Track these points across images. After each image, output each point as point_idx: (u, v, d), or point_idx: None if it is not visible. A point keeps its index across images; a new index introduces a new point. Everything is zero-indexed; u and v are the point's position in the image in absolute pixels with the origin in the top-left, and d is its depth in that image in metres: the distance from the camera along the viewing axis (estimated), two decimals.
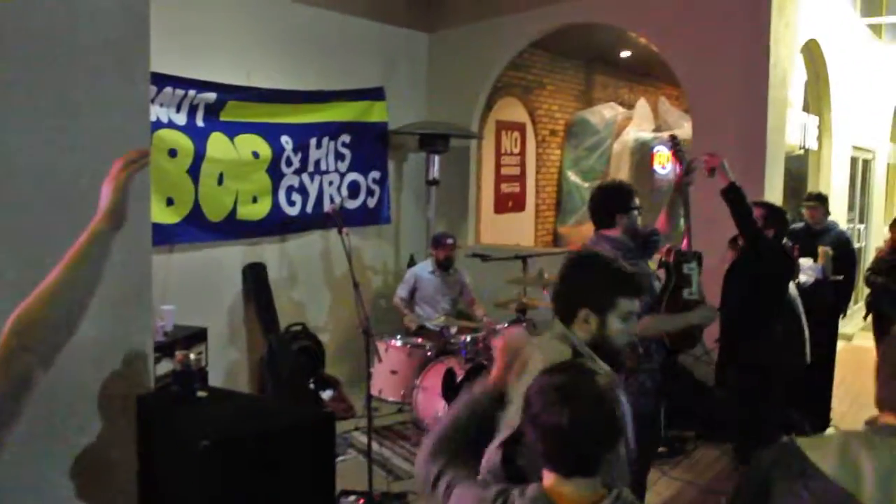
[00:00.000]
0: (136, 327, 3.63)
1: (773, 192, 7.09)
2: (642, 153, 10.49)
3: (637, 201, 4.06)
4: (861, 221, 12.34)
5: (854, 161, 11.46)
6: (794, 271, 5.46)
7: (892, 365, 1.82)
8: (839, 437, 1.80)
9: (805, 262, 6.41)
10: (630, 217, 4.02)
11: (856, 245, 11.38)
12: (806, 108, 9.57)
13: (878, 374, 1.84)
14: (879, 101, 12.25)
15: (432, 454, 2.16)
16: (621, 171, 10.35)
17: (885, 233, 7.86)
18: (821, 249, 6.39)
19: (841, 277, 6.59)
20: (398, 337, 6.55)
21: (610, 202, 4.04)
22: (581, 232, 10.91)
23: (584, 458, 1.82)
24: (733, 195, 4.88)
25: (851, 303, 8.81)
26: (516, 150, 10.52)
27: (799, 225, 7.18)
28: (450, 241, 7.28)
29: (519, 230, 10.53)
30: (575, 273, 2.57)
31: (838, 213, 10.05)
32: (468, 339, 6.36)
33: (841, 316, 6.85)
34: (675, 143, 4.32)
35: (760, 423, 5.04)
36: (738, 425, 5.53)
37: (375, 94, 7.98)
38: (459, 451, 2.16)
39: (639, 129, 10.57)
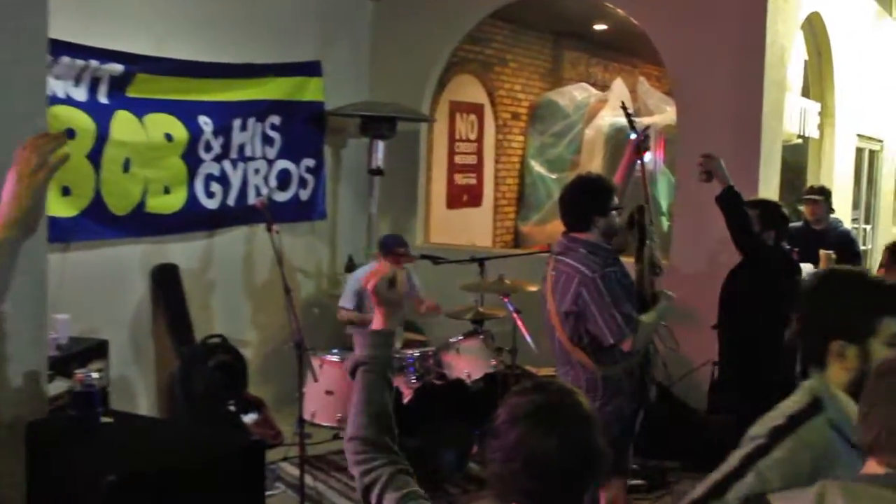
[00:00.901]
0: (27, 341, 3.58)
1: (769, 187, 7.21)
2: (618, 140, 10.58)
3: (616, 200, 4.15)
4: (867, 222, 12.59)
5: (859, 152, 11.71)
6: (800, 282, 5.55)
7: (878, 404, 1.78)
8: (817, 487, 1.77)
9: (806, 268, 6.51)
10: (608, 219, 4.16)
11: (861, 247, 11.64)
12: (805, 92, 9.76)
13: (861, 412, 1.81)
14: (888, 84, 12.55)
15: (356, 463, 2.15)
16: (594, 161, 10.44)
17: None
18: (822, 254, 6.49)
19: None
20: (334, 351, 6.53)
21: (585, 202, 4.13)
22: (546, 231, 10.99)
23: (569, 490, 1.82)
24: (730, 200, 4.96)
25: None
26: (473, 136, 10.56)
27: (797, 224, 7.30)
28: (402, 250, 7.20)
29: (475, 228, 10.59)
30: (818, 296, 2.38)
31: (841, 212, 10.23)
32: (416, 353, 6.37)
33: None
34: (641, 138, 4.48)
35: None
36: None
37: (310, 70, 7.96)
38: (379, 442, 2.16)
39: (614, 114, 10.67)
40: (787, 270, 5.38)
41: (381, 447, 2.14)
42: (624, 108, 4.78)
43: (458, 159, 10.32)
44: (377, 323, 2.28)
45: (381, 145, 8.19)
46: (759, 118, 7.03)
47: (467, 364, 6.39)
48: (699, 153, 7.29)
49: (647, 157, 10.68)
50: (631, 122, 4.56)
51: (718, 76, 7.12)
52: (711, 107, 7.19)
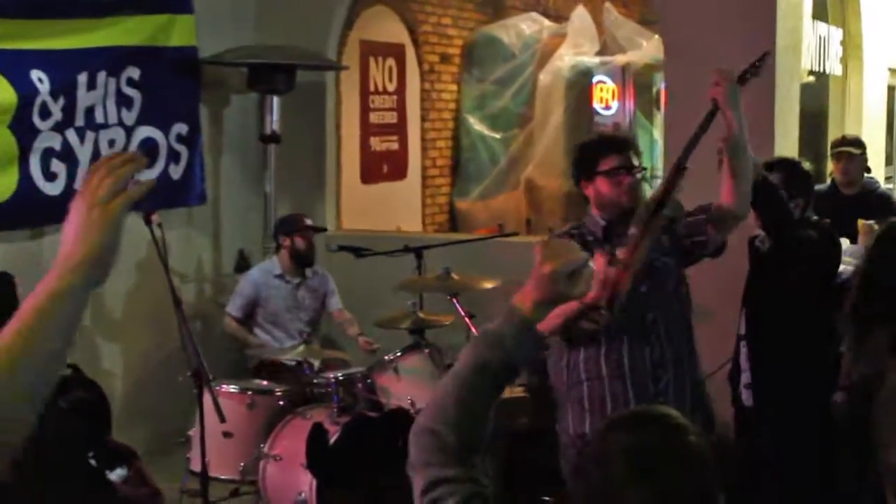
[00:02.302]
0: None
1: (787, 140, 7.24)
2: (583, 87, 10.58)
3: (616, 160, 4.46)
4: None
5: (892, 91, 11.86)
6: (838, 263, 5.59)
7: None
8: None
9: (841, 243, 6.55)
10: (595, 185, 4.50)
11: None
12: (820, 14, 9.82)
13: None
14: None
15: (424, 465, 2.23)
16: (552, 116, 10.43)
17: None
18: (863, 224, 6.53)
19: None
20: (231, 380, 6.48)
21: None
22: (491, 209, 10.98)
23: None
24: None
25: None
26: (391, 87, 10.53)
27: (822, 187, 7.32)
28: (309, 221, 7.47)
29: (399, 208, 10.57)
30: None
31: (873, 169, 10.33)
32: (340, 377, 6.33)
33: None
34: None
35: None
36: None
37: (177, 4, 7.86)
38: (463, 451, 2.21)
39: (576, 52, 10.64)
40: (832, 258, 5.40)
41: (462, 458, 2.20)
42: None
43: (373, 118, 10.26)
44: (528, 306, 2.24)
45: (275, 103, 8.16)
46: (773, 52, 6.98)
47: (410, 388, 6.32)
48: (691, 100, 7.31)
49: (614, 108, 10.80)
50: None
51: None
52: (707, 39, 7.15)
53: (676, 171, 4.40)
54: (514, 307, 2.25)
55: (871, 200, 7.30)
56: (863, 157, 7.48)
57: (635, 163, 4.46)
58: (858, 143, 7.53)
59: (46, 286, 1.86)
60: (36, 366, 1.82)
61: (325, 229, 7.90)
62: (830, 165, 7.65)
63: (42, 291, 1.86)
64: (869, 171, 7.69)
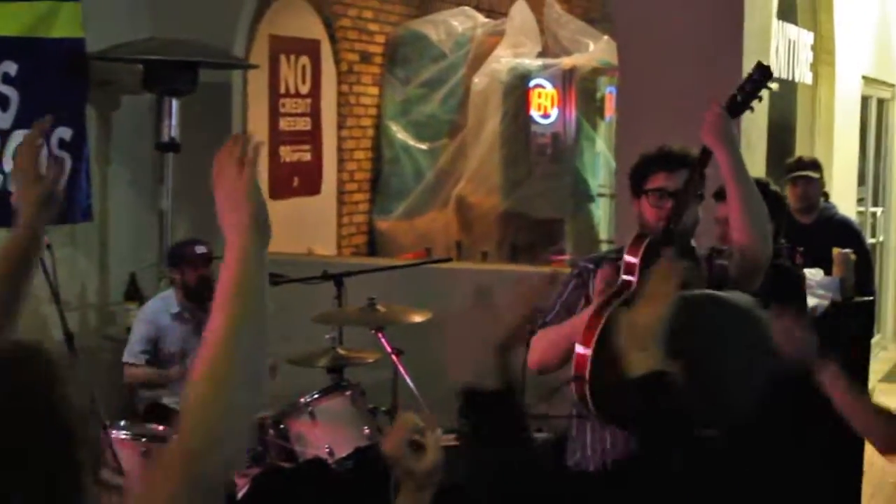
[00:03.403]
0: None
1: (753, 156, 7.32)
2: (522, 92, 10.60)
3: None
4: (876, 203, 12.94)
5: (865, 102, 12.11)
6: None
7: None
8: None
9: (813, 274, 6.64)
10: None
11: (869, 240, 11.95)
12: (787, 15, 9.92)
13: None
14: None
15: None
16: (486, 125, 10.44)
17: None
18: (837, 253, 6.64)
19: (871, 298, 6.85)
20: (122, 424, 6.38)
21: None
22: (416, 229, 10.96)
23: None
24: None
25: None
26: (304, 89, 10.52)
27: None
28: (202, 249, 7.24)
29: (311, 227, 10.54)
30: None
31: (843, 189, 10.47)
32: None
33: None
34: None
35: None
36: None
37: None
38: None
39: (515, 52, 10.67)
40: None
41: None
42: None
43: (284, 124, 10.25)
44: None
45: (174, 106, 8.07)
46: (739, 56, 7.07)
47: (327, 435, 6.32)
48: (646, 107, 7.38)
49: (553, 115, 10.85)
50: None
51: None
52: (664, 40, 7.23)
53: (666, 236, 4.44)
54: None
55: (830, 228, 7.41)
56: (821, 180, 7.60)
57: (679, 183, 4.47)
58: (816, 166, 7.65)
59: (231, 262, 2.26)
60: (252, 348, 2.23)
61: (219, 258, 7.75)
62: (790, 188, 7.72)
63: (227, 268, 2.24)
64: (826, 196, 7.80)
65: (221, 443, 2.09)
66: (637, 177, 4.55)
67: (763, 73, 4.62)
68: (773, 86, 9.48)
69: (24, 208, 3.05)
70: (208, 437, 2.08)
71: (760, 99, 4.68)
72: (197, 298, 7.11)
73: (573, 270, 4.76)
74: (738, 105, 4.61)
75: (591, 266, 4.61)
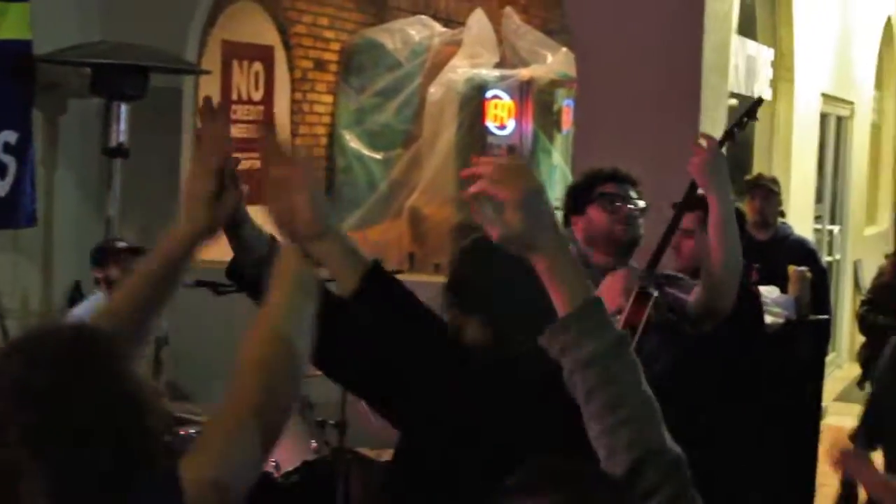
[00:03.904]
0: None
1: None
2: (479, 103, 10.60)
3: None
4: (833, 221, 13.04)
5: (824, 120, 12.22)
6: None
7: None
8: None
9: (769, 292, 6.68)
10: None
11: (825, 258, 12.03)
12: (751, 33, 10.00)
13: None
14: (862, 28, 13.05)
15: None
16: (442, 135, 10.43)
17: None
18: (793, 271, 6.70)
19: (826, 317, 6.90)
20: None
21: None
22: (370, 239, 10.91)
23: None
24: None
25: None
26: (257, 96, 10.51)
27: None
28: (123, 244, 7.26)
29: None
30: None
31: (801, 207, 10.54)
32: (193, 433, 6.20)
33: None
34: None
35: None
36: None
37: None
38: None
39: (472, 63, 10.67)
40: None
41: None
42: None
43: (236, 131, 10.09)
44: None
45: (123, 111, 8.04)
46: (698, 71, 7.12)
47: (275, 449, 6.18)
48: (604, 121, 7.41)
49: (510, 127, 10.85)
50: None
51: (637, 4, 7.19)
52: (623, 53, 7.27)
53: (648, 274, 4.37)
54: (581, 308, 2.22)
55: (786, 246, 7.47)
56: (778, 196, 7.67)
57: (635, 198, 4.39)
58: (775, 183, 7.71)
59: (280, 284, 2.57)
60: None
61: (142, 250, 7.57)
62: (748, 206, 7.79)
63: (278, 290, 2.56)
64: (783, 215, 7.86)
65: (279, 395, 2.42)
66: (579, 190, 4.44)
67: (759, 105, 4.64)
68: (734, 101, 9.61)
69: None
70: (269, 391, 2.40)
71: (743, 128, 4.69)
72: None
73: None
74: (732, 137, 4.62)
75: None
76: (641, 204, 4.39)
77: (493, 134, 10.82)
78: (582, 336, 2.15)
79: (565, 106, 10.74)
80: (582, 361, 2.14)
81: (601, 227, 4.31)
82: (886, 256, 8.28)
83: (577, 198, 4.40)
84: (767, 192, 7.65)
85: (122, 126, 8.02)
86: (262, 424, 2.39)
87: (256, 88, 10.40)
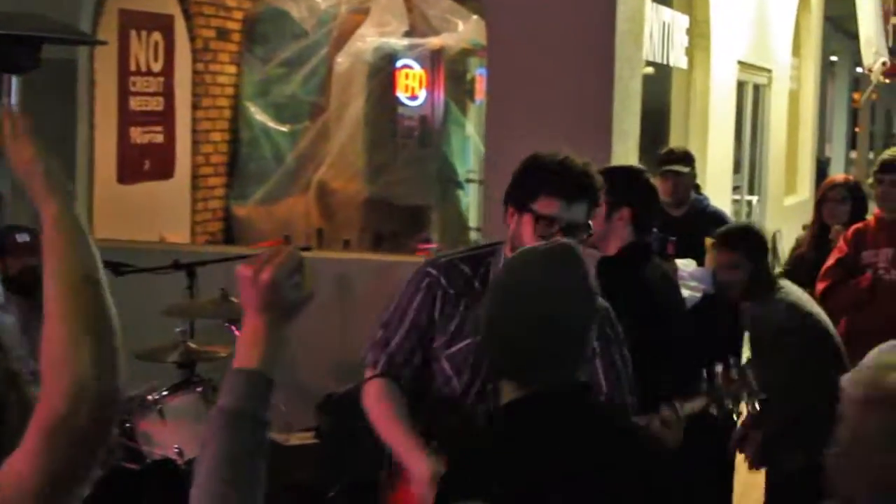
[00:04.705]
0: None
1: (626, 143, 7.42)
2: (387, 74, 10.59)
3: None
4: (752, 192, 13.16)
5: (741, 88, 12.33)
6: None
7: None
8: None
9: (685, 265, 6.67)
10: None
11: None
12: (666, 1, 10.06)
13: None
14: None
15: None
16: (349, 107, 10.42)
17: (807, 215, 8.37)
18: (710, 243, 6.69)
19: None
20: None
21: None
22: (275, 215, 10.92)
23: None
24: None
25: None
26: (157, 67, 10.42)
27: None
28: (24, 238, 7.01)
29: (164, 213, 10.48)
30: None
31: (718, 177, 10.62)
32: None
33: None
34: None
35: None
36: None
37: None
38: None
39: (381, 32, 10.64)
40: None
41: None
42: None
43: (134, 104, 10.14)
44: (248, 343, 2.32)
45: (14, 83, 7.70)
46: (612, 38, 7.15)
47: (177, 434, 6.24)
48: (516, 90, 7.42)
49: (421, 97, 10.86)
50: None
51: None
52: (539, 19, 7.26)
53: None
54: (240, 371, 2.32)
55: (701, 220, 7.49)
56: (691, 173, 7.70)
57: (577, 217, 3.98)
58: (687, 159, 7.73)
59: (49, 222, 2.39)
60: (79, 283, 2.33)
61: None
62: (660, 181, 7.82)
63: (48, 228, 2.38)
64: (698, 188, 7.91)
65: (87, 399, 2.16)
66: (525, 189, 4.03)
67: None
68: (649, 70, 9.66)
69: None
70: (74, 396, 2.15)
71: None
72: (21, 290, 6.94)
73: (419, 277, 4.26)
74: None
75: (439, 278, 4.20)
76: (583, 230, 4.06)
77: (403, 105, 10.82)
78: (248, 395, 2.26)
79: (478, 75, 10.78)
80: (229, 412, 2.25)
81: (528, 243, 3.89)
82: (805, 227, 8.32)
83: (519, 195, 4.04)
84: (677, 174, 7.67)
85: (13, 99, 7.77)
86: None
87: (156, 59, 10.31)
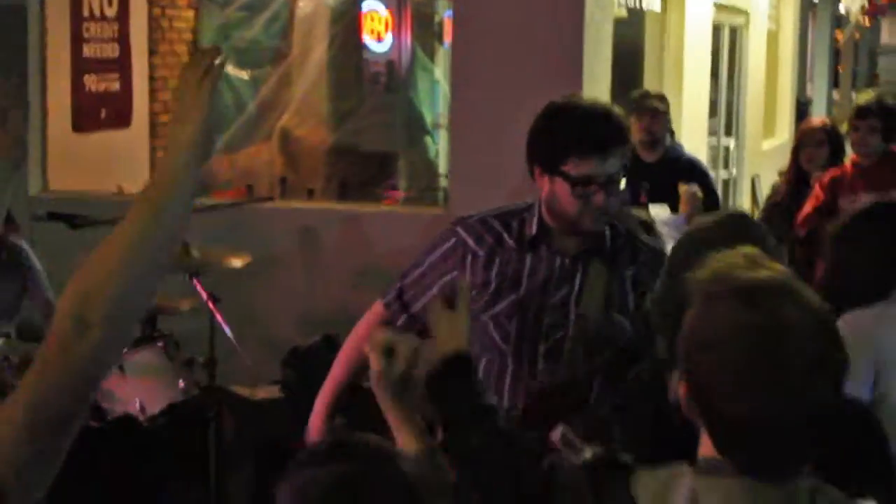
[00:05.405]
0: None
1: (597, 88, 7.45)
2: (351, 17, 10.58)
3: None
4: (728, 135, 13.21)
5: (717, 30, 12.33)
6: None
7: None
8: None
9: (657, 212, 6.73)
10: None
11: (721, 173, 12.19)
12: None
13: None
14: None
15: None
16: (313, 52, 10.40)
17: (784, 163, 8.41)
18: (683, 189, 6.75)
19: None
20: None
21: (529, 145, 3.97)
22: (237, 165, 10.91)
23: None
24: None
25: None
26: (111, 12, 10.31)
27: None
28: None
29: (121, 162, 10.31)
30: None
31: (694, 121, 10.66)
32: None
33: None
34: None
35: None
36: None
37: None
38: None
39: None
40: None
41: None
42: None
43: (88, 51, 10.02)
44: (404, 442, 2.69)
45: None
46: None
47: (138, 389, 6.29)
48: (483, 32, 7.43)
49: (388, 41, 10.88)
50: None
51: None
52: None
53: None
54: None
55: (676, 168, 7.54)
56: (667, 116, 7.74)
57: (613, 169, 3.81)
58: (663, 101, 7.78)
59: (168, 160, 2.36)
60: (154, 247, 2.29)
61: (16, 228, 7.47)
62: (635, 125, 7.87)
63: (164, 163, 2.37)
64: (673, 135, 7.95)
65: (90, 326, 2.18)
66: (551, 151, 3.84)
67: None
68: (623, 13, 9.69)
69: None
70: (77, 321, 2.18)
71: None
72: None
73: (446, 235, 4.08)
74: None
75: (465, 240, 4.00)
76: (621, 185, 3.99)
77: (369, 49, 10.82)
78: None
79: (447, 18, 10.75)
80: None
81: (567, 210, 3.85)
82: (780, 174, 8.38)
83: (547, 157, 3.85)
84: (654, 112, 7.71)
85: None
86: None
87: (110, 4, 10.16)
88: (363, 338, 3.85)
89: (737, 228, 2.98)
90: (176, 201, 2.32)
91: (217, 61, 2.51)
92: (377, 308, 4.17)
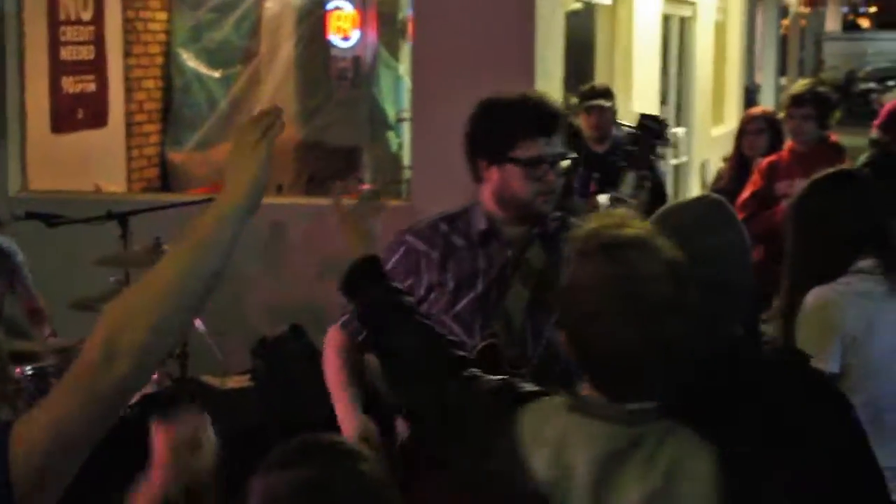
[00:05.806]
0: None
1: (549, 81, 7.46)
2: (317, 17, 10.56)
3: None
4: (679, 123, 13.23)
5: (666, 21, 12.35)
6: None
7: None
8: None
9: (605, 200, 6.73)
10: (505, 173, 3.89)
11: (671, 160, 12.19)
12: None
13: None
14: None
15: None
16: (280, 50, 10.38)
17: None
18: (630, 176, 6.75)
19: None
20: None
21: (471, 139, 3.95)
22: (211, 161, 10.90)
23: None
24: None
25: None
26: (87, 15, 10.30)
27: None
28: None
29: (98, 161, 10.38)
30: None
31: (645, 111, 10.62)
32: (30, 371, 6.18)
33: None
34: None
35: None
36: None
37: None
38: None
39: None
40: None
41: None
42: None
43: (65, 53, 10.01)
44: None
45: None
46: None
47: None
48: (443, 29, 7.41)
49: (354, 38, 10.85)
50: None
51: None
52: None
53: None
54: None
55: (623, 158, 7.57)
56: (613, 108, 7.79)
57: (559, 148, 3.82)
58: (608, 94, 7.83)
59: (212, 211, 2.41)
60: (190, 290, 2.35)
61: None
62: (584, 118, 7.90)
63: (207, 215, 2.40)
64: (619, 125, 8.01)
65: (118, 357, 2.22)
66: (497, 139, 3.81)
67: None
68: (577, 5, 9.64)
69: None
70: (107, 351, 2.21)
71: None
72: None
73: (395, 243, 3.99)
74: None
75: (416, 244, 3.95)
76: (566, 162, 3.93)
77: (336, 47, 10.79)
78: None
79: (410, 15, 10.73)
80: None
81: (519, 194, 3.81)
82: (725, 160, 8.42)
83: (492, 146, 3.83)
84: (600, 109, 7.79)
85: None
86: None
87: (85, 8, 10.16)
88: (340, 365, 4.01)
89: (719, 215, 2.93)
90: (216, 250, 2.38)
91: (276, 123, 2.57)
92: (333, 335, 4.08)
